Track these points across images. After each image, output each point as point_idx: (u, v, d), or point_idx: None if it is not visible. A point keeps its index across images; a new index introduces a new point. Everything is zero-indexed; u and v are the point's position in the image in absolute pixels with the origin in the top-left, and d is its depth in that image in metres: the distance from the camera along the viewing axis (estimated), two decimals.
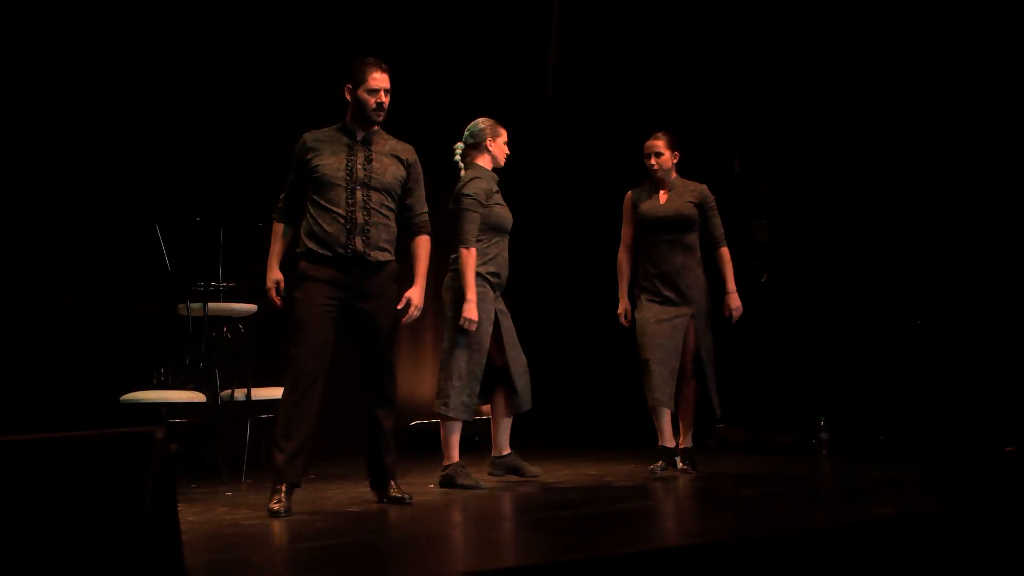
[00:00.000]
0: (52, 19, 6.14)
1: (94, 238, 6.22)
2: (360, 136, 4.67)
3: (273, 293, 4.71)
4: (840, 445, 6.90)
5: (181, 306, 5.86)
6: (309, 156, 4.62)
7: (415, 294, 4.71)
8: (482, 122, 5.41)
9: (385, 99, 4.65)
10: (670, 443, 5.53)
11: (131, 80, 6.42)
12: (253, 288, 6.19)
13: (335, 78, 7.42)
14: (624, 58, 8.04)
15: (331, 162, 4.58)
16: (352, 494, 5.07)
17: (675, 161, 5.66)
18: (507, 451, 5.57)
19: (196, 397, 5.71)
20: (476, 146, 5.39)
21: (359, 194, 4.55)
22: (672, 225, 5.57)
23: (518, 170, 6.68)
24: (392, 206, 4.66)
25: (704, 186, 5.68)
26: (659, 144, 5.64)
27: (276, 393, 5.96)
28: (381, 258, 4.59)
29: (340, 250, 4.52)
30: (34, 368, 5.93)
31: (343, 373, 7.26)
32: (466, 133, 5.44)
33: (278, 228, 4.74)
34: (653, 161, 5.62)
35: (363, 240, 4.53)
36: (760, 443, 6.97)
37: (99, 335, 6.20)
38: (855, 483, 5.29)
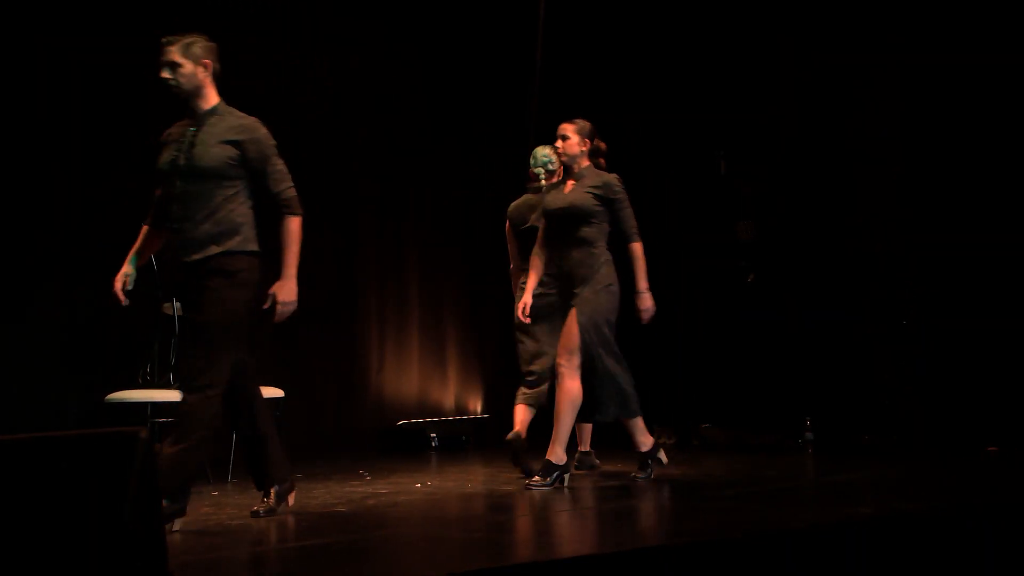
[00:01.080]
0: (52, 18, 6.13)
1: (80, 236, 6.20)
2: (193, 121, 4.23)
3: (117, 287, 4.27)
4: (825, 445, 6.93)
5: (167, 305, 5.86)
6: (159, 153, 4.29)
7: (281, 288, 4.14)
8: (552, 152, 5.71)
9: (166, 75, 4.15)
10: (642, 448, 5.30)
11: (123, 79, 6.40)
12: None
13: (334, 78, 7.48)
14: (614, 60, 8.06)
15: (164, 156, 4.20)
16: (338, 493, 5.08)
17: (584, 149, 5.27)
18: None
19: None
20: (551, 173, 5.78)
21: (177, 186, 4.12)
22: (564, 218, 5.22)
23: (511, 172, 6.74)
24: (227, 193, 4.11)
25: (613, 176, 5.26)
26: (567, 128, 5.29)
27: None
28: (196, 257, 4.08)
29: (173, 251, 4.20)
30: (19, 367, 5.91)
31: (328, 374, 7.32)
32: (545, 161, 5.79)
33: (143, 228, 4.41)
34: (559, 143, 5.31)
35: (180, 237, 4.12)
36: (743, 443, 7.00)
37: (84, 334, 6.18)
38: (838, 482, 5.31)
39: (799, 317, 7.41)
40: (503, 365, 7.50)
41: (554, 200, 5.31)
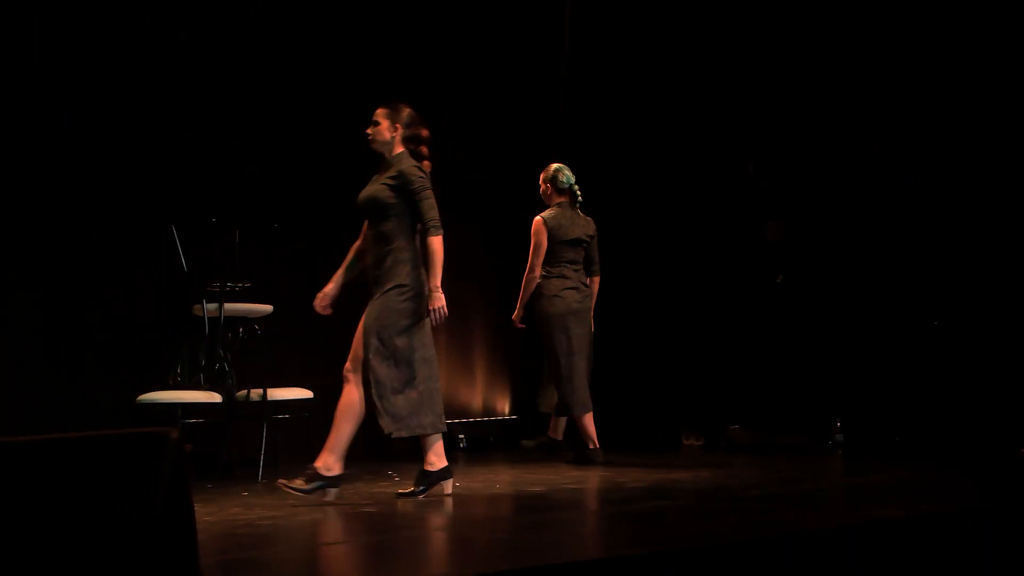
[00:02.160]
0: (63, 21, 6.16)
1: (111, 238, 6.25)
2: None
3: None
4: (855, 447, 6.89)
5: (197, 306, 5.91)
6: None
7: None
8: (570, 174, 6.41)
9: None
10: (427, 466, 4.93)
11: (145, 80, 6.44)
12: (268, 289, 6.25)
13: (339, 78, 7.50)
14: (632, 65, 8.05)
15: None
16: (365, 494, 5.11)
17: (395, 135, 4.85)
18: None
19: (212, 397, 5.75)
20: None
21: None
22: (365, 212, 4.88)
23: (528, 182, 6.76)
24: None
25: (408, 165, 4.81)
26: (379, 112, 4.90)
27: (292, 393, 6.02)
28: None
29: None
30: (51, 367, 5.97)
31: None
32: (573, 179, 6.38)
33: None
34: (369, 129, 4.91)
35: None
36: (771, 444, 6.97)
37: (116, 335, 6.23)
38: (863, 484, 5.29)
39: (827, 318, 7.38)
40: (531, 366, 7.51)
41: (362, 193, 4.90)
